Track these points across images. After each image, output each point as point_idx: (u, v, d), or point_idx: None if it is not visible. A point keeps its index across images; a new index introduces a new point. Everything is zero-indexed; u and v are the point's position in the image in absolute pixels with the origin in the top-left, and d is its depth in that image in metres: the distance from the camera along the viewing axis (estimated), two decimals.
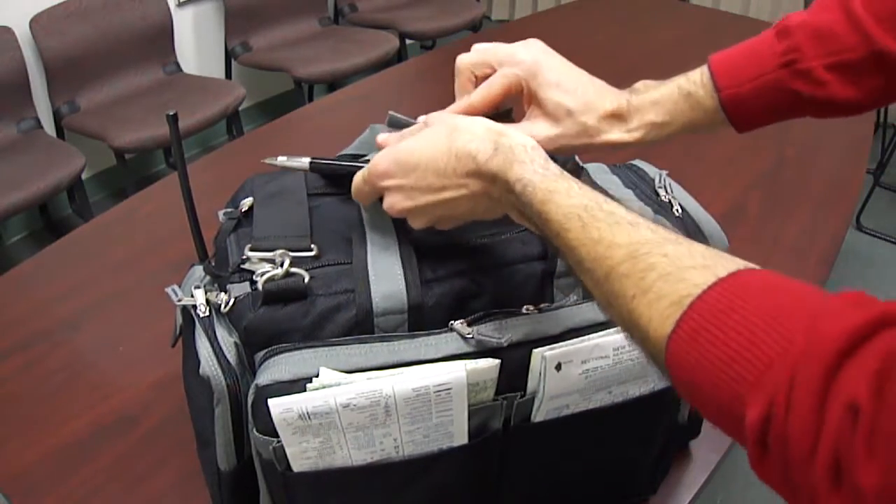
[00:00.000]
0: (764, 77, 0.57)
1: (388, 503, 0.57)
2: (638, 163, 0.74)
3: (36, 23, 2.19)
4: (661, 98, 0.59)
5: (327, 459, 0.52)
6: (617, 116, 0.59)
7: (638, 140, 0.60)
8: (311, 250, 0.57)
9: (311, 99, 2.90)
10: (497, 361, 0.52)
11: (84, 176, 2.14)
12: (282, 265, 0.54)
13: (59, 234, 1.25)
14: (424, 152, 0.52)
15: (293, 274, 0.54)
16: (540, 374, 0.54)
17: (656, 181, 0.70)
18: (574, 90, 0.58)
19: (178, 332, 0.61)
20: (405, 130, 0.58)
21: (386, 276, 0.55)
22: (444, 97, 0.62)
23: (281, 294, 0.53)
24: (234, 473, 0.58)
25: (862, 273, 2.32)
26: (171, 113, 0.53)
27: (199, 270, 0.61)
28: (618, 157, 0.77)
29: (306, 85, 2.79)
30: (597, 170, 0.72)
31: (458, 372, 0.51)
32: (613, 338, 0.55)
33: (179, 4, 2.57)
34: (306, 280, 0.54)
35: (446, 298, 0.56)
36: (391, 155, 0.54)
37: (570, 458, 0.62)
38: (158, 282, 0.61)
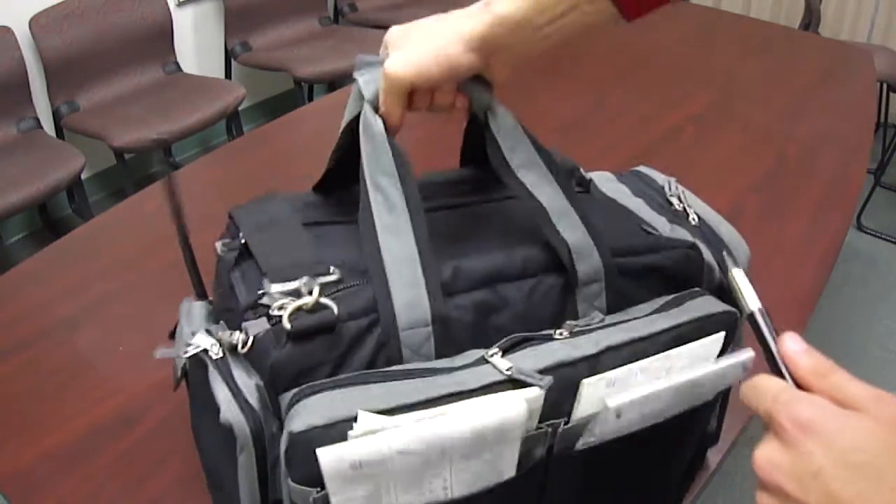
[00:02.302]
0: None
1: None
2: (643, 169, 0.72)
3: (36, 23, 2.19)
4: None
5: None
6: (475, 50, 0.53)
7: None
8: (331, 274, 0.53)
9: (311, 99, 2.90)
10: (542, 390, 0.50)
11: (83, 176, 2.14)
12: (310, 293, 0.50)
13: (58, 233, 1.25)
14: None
15: (320, 303, 0.50)
16: (600, 418, 0.52)
17: (666, 189, 0.67)
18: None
19: (179, 375, 0.57)
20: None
21: (406, 282, 0.52)
22: None
23: (311, 328, 0.49)
24: None
25: (862, 273, 2.32)
26: (169, 174, 0.51)
27: (196, 307, 0.58)
28: (617, 159, 0.77)
29: (306, 85, 2.79)
30: (603, 179, 0.70)
31: (517, 406, 0.47)
32: (675, 381, 0.53)
33: (179, 4, 2.57)
34: (336, 311, 0.50)
35: (469, 313, 0.54)
36: (824, 426, 0.35)
37: (609, 479, 0.60)
38: (158, 282, 0.61)
